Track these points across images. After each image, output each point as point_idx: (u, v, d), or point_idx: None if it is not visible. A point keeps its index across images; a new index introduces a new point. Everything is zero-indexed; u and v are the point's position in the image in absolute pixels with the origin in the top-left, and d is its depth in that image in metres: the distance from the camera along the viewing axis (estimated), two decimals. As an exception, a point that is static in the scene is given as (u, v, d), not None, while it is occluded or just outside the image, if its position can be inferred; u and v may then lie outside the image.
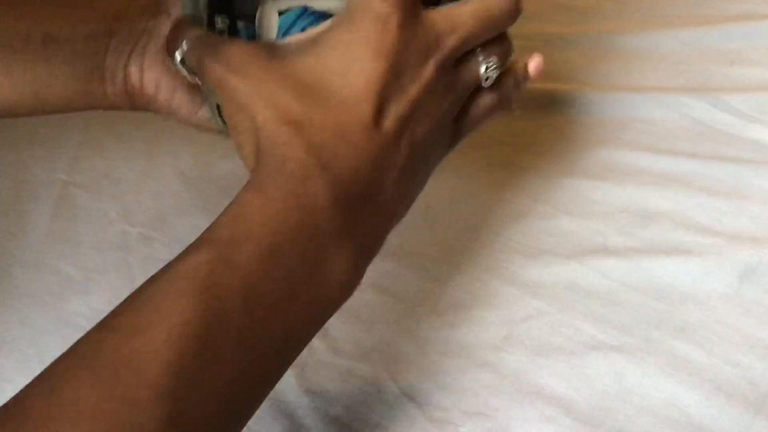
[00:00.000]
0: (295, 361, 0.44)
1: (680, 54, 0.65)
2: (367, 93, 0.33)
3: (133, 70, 0.41)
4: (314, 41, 0.35)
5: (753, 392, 0.40)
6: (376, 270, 0.49)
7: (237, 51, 0.35)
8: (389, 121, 0.34)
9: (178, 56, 0.37)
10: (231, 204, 0.33)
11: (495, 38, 0.38)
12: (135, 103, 0.42)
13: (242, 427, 0.32)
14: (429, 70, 0.35)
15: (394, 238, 0.51)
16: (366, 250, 0.35)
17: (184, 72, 0.38)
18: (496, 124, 0.60)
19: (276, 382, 0.33)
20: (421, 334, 0.45)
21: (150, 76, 0.41)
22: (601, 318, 0.45)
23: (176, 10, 0.41)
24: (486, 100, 0.39)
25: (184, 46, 0.37)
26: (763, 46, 0.64)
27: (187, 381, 0.28)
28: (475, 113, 0.39)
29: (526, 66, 0.41)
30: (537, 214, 0.52)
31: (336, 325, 0.46)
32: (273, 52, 0.35)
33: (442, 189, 0.54)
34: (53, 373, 0.28)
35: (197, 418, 0.29)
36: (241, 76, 0.34)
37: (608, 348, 0.43)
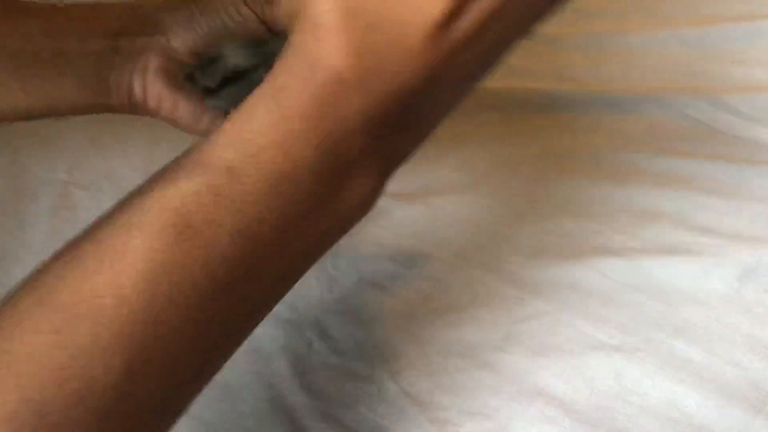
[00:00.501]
0: (295, 361, 0.44)
1: (680, 54, 0.65)
2: None
3: (137, 86, 0.43)
4: None
5: (753, 392, 0.40)
6: (376, 270, 0.49)
7: None
8: (462, 26, 0.26)
9: None
10: (238, 113, 0.27)
11: None
12: (140, 111, 0.44)
13: (211, 377, 0.28)
14: None
15: (394, 238, 0.51)
16: (391, 168, 0.29)
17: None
18: (496, 124, 0.60)
19: (260, 321, 0.29)
20: (421, 334, 0.45)
21: (152, 91, 0.43)
22: (601, 318, 0.44)
23: (174, 28, 0.42)
24: None
25: None
26: (763, 46, 0.64)
27: (154, 330, 0.25)
28: None
29: None
30: (537, 214, 0.52)
31: (336, 325, 0.46)
32: None
33: (442, 189, 0.54)
34: (8, 313, 0.25)
35: (161, 369, 0.25)
36: None
37: (608, 348, 0.43)
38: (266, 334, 0.45)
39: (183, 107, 0.43)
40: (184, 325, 0.25)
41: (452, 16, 0.26)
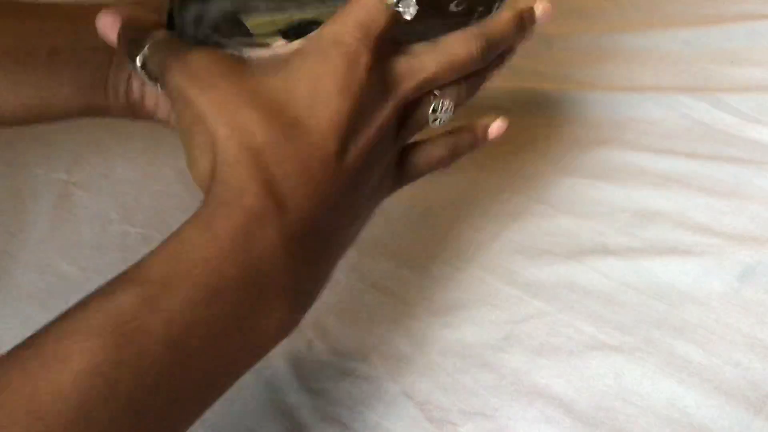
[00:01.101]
0: (295, 361, 0.44)
1: (680, 54, 0.65)
2: (331, 127, 0.32)
3: (135, 84, 0.42)
4: (283, 63, 0.33)
5: (753, 392, 0.40)
6: (376, 270, 0.49)
7: (202, 60, 0.33)
8: (349, 159, 0.33)
9: (138, 61, 0.35)
10: (172, 236, 0.31)
11: (455, 80, 0.37)
12: (137, 114, 0.43)
13: None
14: (387, 110, 0.34)
15: (394, 238, 0.51)
16: (308, 295, 0.34)
17: (145, 77, 0.36)
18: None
19: (195, 420, 0.31)
20: (421, 334, 0.45)
21: (150, 90, 0.42)
22: (601, 318, 0.45)
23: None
24: (434, 148, 0.39)
25: (146, 50, 0.35)
26: (763, 46, 0.64)
27: (86, 427, 0.27)
28: (421, 158, 0.38)
29: (486, 127, 0.40)
30: (537, 214, 0.52)
31: (336, 325, 0.46)
32: (239, 66, 0.33)
33: (442, 189, 0.54)
34: None
35: None
36: (203, 88, 0.32)
37: (608, 348, 0.43)
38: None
39: None
40: (116, 424, 0.27)
41: (342, 150, 0.32)
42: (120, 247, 0.52)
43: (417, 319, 0.46)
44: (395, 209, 0.52)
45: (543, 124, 0.60)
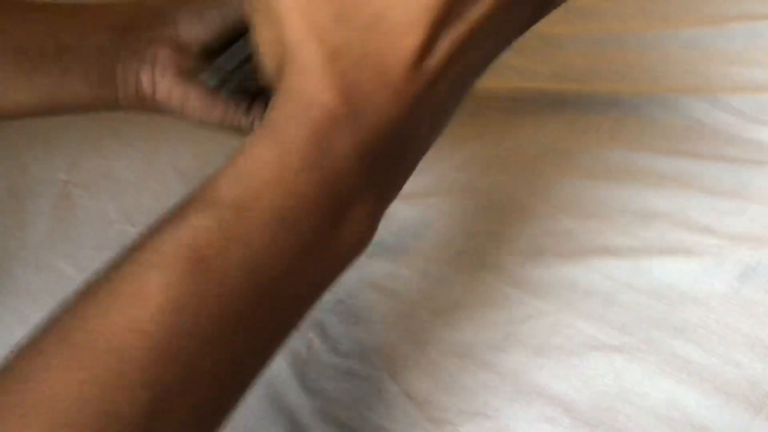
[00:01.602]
0: (295, 361, 0.44)
1: (680, 54, 0.65)
2: (418, 20, 0.27)
3: (145, 79, 0.43)
4: None
5: (753, 392, 0.40)
6: (376, 270, 0.49)
7: None
8: (435, 58, 0.28)
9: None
10: (239, 153, 0.28)
11: None
12: (147, 107, 0.43)
13: (232, 412, 0.29)
14: None
15: (394, 238, 0.51)
16: (385, 201, 0.31)
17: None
18: (496, 124, 0.60)
19: (274, 357, 0.30)
20: (421, 334, 0.45)
21: (162, 84, 0.42)
22: (601, 318, 0.44)
23: (182, 21, 0.42)
24: None
25: None
26: (763, 46, 0.64)
27: (175, 365, 0.25)
28: None
29: None
30: (537, 214, 0.52)
31: (336, 325, 0.46)
32: None
33: (442, 189, 0.54)
34: (27, 356, 0.26)
35: (183, 404, 0.26)
36: None
37: (608, 348, 0.43)
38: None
39: (194, 97, 0.43)
40: (204, 360, 0.26)
41: (425, 49, 0.28)
42: (120, 247, 0.52)
43: (417, 319, 0.46)
44: (396, 209, 0.52)
45: (543, 125, 0.60)
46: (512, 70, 0.65)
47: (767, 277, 0.45)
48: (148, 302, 0.25)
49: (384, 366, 0.44)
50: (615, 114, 0.60)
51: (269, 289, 0.28)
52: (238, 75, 0.43)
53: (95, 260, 0.52)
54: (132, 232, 0.53)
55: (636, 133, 0.58)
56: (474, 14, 0.28)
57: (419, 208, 0.53)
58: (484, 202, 0.53)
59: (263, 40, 0.29)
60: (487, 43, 0.30)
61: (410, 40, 0.27)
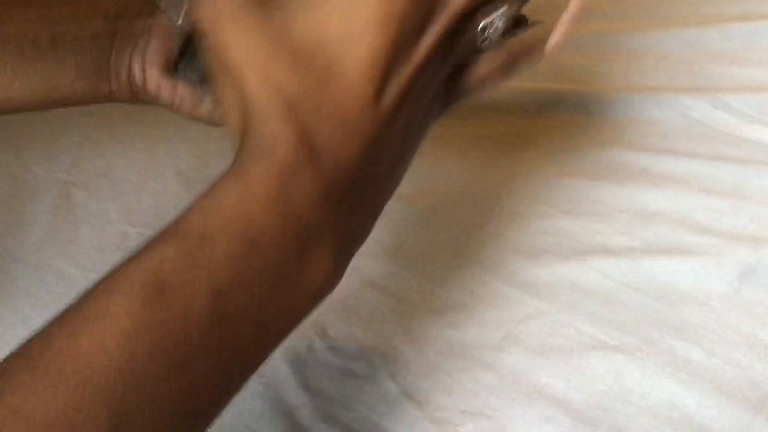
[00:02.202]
0: (295, 361, 0.44)
1: (680, 54, 0.65)
2: (370, 66, 0.29)
3: (136, 69, 0.42)
4: None
5: (753, 392, 0.40)
6: (376, 270, 0.49)
7: (230, 4, 0.30)
8: (389, 98, 0.30)
9: (180, 18, 0.34)
10: (207, 192, 0.30)
11: None
12: (139, 98, 0.43)
13: None
14: (432, 36, 0.31)
15: (394, 238, 0.51)
16: (351, 243, 0.32)
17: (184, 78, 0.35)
18: (496, 124, 0.60)
19: (241, 386, 0.30)
20: (421, 334, 0.45)
21: (151, 74, 0.42)
22: (601, 318, 0.45)
23: (172, 8, 0.42)
24: (487, 63, 0.35)
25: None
26: (763, 46, 0.64)
27: (138, 388, 0.26)
28: (472, 75, 0.35)
29: (542, 40, 0.36)
30: (537, 214, 0.52)
31: (336, 325, 0.46)
32: (269, 7, 0.31)
33: (442, 189, 0.54)
34: (1, 373, 0.26)
35: (144, 427, 0.26)
36: (231, 36, 0.30)
37: (608, 348, 0.43)
38: (266, 334, 0.45)
39: (182, 91, 0.42)
40: (166, 384, 0.27)
41: (378, 93, 0.30)
42: (120, 247, 0.52)
43: (417, 319, 0.46)
44: (396, 209, 0.52)
45: (543, 124, 0.60)
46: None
47: (767, 277, 0.45)
48: (113, 325, 0.26)
49: (384, 366, 0.44)
50: (615, 114, 0.60)
51: (233, 319, 0.28)
52: None
53: (95, 260, 0.52)
54: (132, 232, 0.53)
55: (636, 133, 0.58)
56: (417, 57, 0.30)
57: (419, 208, 0.53)
58: (483, 202, 0.53)
59: (225, 96, 0.31)
60: (432, 83, 0.32)
61: (363, 85, 0.29)
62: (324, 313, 0.46)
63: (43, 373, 0.25)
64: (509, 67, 0.35)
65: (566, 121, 0.60)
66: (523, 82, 0.64)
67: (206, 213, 0.29)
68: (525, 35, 0.35)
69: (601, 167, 0.55)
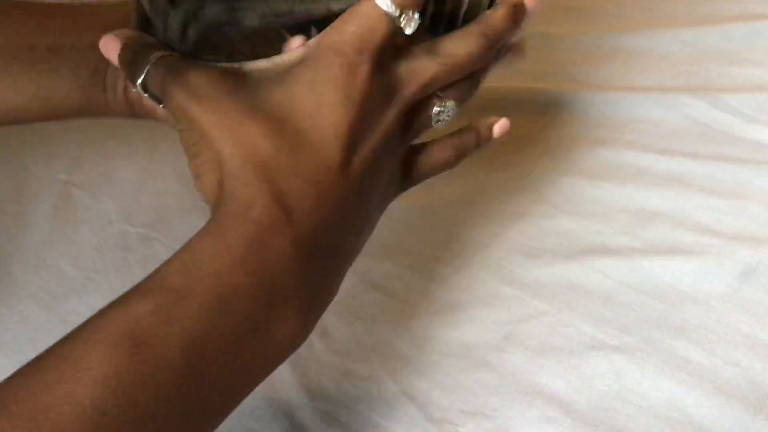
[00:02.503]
0: (295, 361, 0.44)
1: (680, 54, 0.65)
2: (336, 138, 0.32)
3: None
4: (283, 74, 0.33)
5: (753, 392, 0.40)
6: (376, 270, 0.49)
7: (202, 78, 0.33)
8: (355, 167, 0.33)
9: (139, 83, 0.35)
10: (185, 247, 0.31)
11: (456, 80, 0.37)
12: (135, 112, 0.43)
13: None
14: (390, 116, 0.34)
15: (394, 238, 0.51)
16: (318, 305, 0.34)
17: (147, 98, 0.36)
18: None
19: (216, 427, 0.32)
20: (421, 334, 0.45)
21: None
22: (601, 318, 0.44)
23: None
24: (438, 149, 0.38)
25: (146, 72, 0.35)
26: (763, 46, 0.64)
27: None
28: (425, 161, 0.38)
29: (490, 126, 0.40)
30: (537, 214, 0.52)
31: (336, 325, 0.46)
32: (240, 80, 0.33)
33: (442, 189, 0.54)
34: None
35: None
36: (205, 106, 0.32)
37: (608, 348, 0.43)
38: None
39: None
40: None
41: (346, 160, 0.33)
42: (120, 247, 0.52)
43: (417, 319, 0.46)
44: (396, 209, 0.52)
45: (543, 125, 0.60)
46: (512, 70, 0.65)
47: (767, 277, 0.45)
48: (87, 377, 0.27)
49: (384, 366, 0.44)
50: (615, 114, 0.60)
51: (205, 371, 0.30)
52: None
53: (95, 260, 0.52)
54: (132, 232, 0.53)
55: (636, 133, 0.58)
56: (378, 132, 0.34)
57: (419, 208, 0.53)
58: (483, 202, 0.53)
59: (201, 161, 0.33)
60: (393, 156, 0.36)
61: (331, 155, 0.32)
62: (324, 313, 0.46)
63: (15, 421, 0.26)
64: (460, 153, 0.39)
65: (566, 121, 0.60)
66: (523, 82, 0.63)
67: (183, 269, 0.30)
68: (473, 126, 0.39)
69: (601, 167, 0.55)
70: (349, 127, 0.33)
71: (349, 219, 0.34)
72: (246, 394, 0.33)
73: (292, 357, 0.44)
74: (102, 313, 0.29)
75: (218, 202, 0.32)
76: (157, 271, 0.31)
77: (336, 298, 0.47)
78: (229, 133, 0.32)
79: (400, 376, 0.43)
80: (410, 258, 0.50)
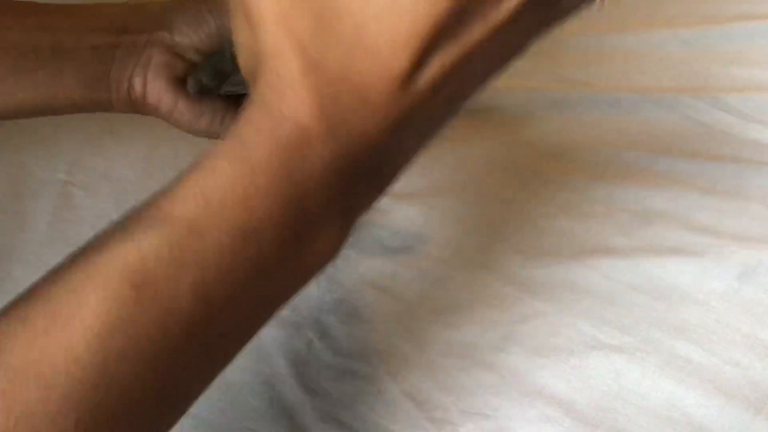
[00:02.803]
0: (295, 361, 0.44)
1: (680, 54, 0.65)
2: (406, 41, 0.24)
3: (137, 82, 0.43)
4: None
5: (753, 392, 0.40)
6: (376, 270, 0.49)
7: None
8: (423, 81, 0.25)
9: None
10: (198, 167, 0.26)
11: None
12: (138, 110, 0.44)
13: (169, 429, 0.27)
14: (511, 3, 0.25)
15: (394, 238, 0.51)
16: (353, 222, 0.28)
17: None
18: (496, 124, 0.60)
19: (226, 366, 0.28)
20: (421, 334, 0.45)
21: (153, 88, 0.43)
22: (601, 318, 0.44)
23: (178, 26, 0.42)
24: None
25: None
26: (763, 46, 0.64)
27: (106, 389, 0.24)
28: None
29: None
30: (537, 214, 0.52)
31: (336, 325, 0.46)
32: None
33: (442, 189, 0.54)
34: None
35: (115, 424, 0.24)
36: None
37: (608, 348, 0.43)
38: (266, 333, 0.45)
39: (183, 105, 0.43)
40: (138, 382, 0.25)
41: (412, 72, 0.25)
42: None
43: (417, 319, 0.46)
44: (396, 209, 0.52)
45: (543, 124, 0.60)
46: (512, 70, 0.65)
47: (767, 277, 0.45)
48: (82, 327, 0.24)
49: (384, 366, 0.44)
50: (615, 114, 0.60)
51: (218, 315, 0.26)
52: (223, 83, 0.44)
53: (95, 260, 0.52)
54: (132, 232, 0.53)
55: (636, 133, 0.58)
56: (471, 36, 0.25)
57: (419, 208, 0.53)
58: (483, 201, 0.53)
59: (240, 43, 0.27)
60: (483, 65, 0.27)
61: (396, 61, 0.24)
62: (324, 313, 0.46)
63: (5, 379, 0.23)
64: None
65: (566, 121, 0.60)
66: (524, 82, 0.63)
67: (197, 196, 0.25)
68: None
69: (601, 167, 0.55)
70: (435, 24, 0.24)
71: (403, 138, 0.27)
72: (266, 322, 0.28)
73: (292, 357, 0.44)
74: (98, 247, 0.26)
75: (245, 114, 0.26)
76: (164, 195, 0.26)
77: (336, 298, 0.47)
78: (276, 18, 0.25)
79: (400, 376, 0.43)
80: (410, 258, 0.50)
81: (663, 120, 0.58)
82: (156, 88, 0.43)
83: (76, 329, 0.24)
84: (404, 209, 0.53)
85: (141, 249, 0.25)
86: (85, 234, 0.56)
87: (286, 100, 0.25)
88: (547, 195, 0.53)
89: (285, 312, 0.46)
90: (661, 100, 0.60)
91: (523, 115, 0.60)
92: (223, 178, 0.25)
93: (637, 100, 0.60)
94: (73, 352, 0.24)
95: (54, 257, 0.53)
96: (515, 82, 0.63)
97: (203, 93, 0.44)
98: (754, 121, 0.57)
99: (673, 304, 0.45)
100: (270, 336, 0.45)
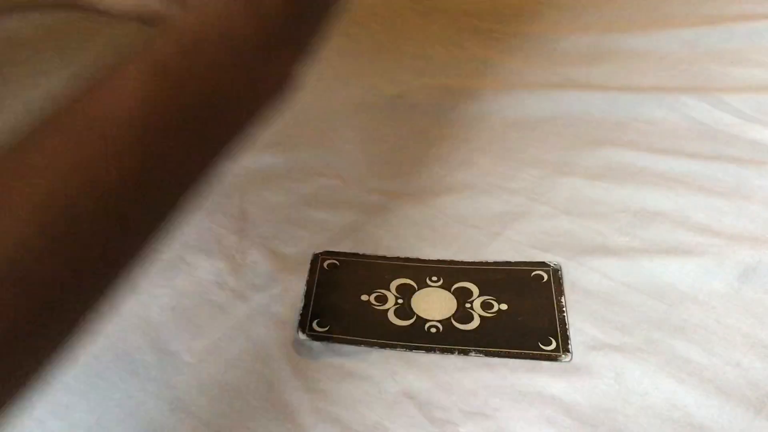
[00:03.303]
0: (296, 361, 0.44)
1: (680, 54, 0.65)
2: None
3: None
4: None
5: (753, 392, 0.40)
6: (376, 270, 0.49)
7: None
8: None
9: None
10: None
11: None
12: None
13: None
14: None
15: (394, 238, 0.51)
16: (309, 46, 0.35)
17: None
18: (496, 125, 0.60)
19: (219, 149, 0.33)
20: (421, 334, 0.45)
21: None
22: (601, 318, 0.45)
23: None
24: None
25: None
26: (763, 46, 0.64)
27: (157, 139, 0.29)
28: None
29: None
30: (537, 214, 0.52)
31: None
32: None
33: (442, 189, 0.54)
34: (25, 138, 0.28)
35: (167, 171, 0.30)
36: None
37: (608, 348, 0.43)
38: (266, 333, 0.45)
39: None
40: (173, 138, 0.29)
41: None
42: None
43: (417, 319, 0.46)
44: (396, 209, 0.52)
45: (543, 124, 0.60)
46: (512, 70, 0.65)
47: (767, 277, 0.45)
48: (128, 97, 0.29)
49: (384, 366, 0.44)
50: (615, 114, 0.60)
51: (213, 94, 0.31)
52: None
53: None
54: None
55: (636, 133, 0.58)
56: None
57: (419, 208, 0.53)
58: (483, 201, 0.53)
59: None
60: None
61: None
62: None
63: (71, 127, 0.27)
64: None
65: (566, 121, 0.60)
66: (524, 82, 0.64)
67: (198, 11, 0.31)
68: None
69: (601, 167, 0.55)
70: None
71: None
72: (249, 122, 0.33)
73: (292, 357, 0.44)
74: (131, 50, 0.30)
75: None
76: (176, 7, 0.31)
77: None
78: None
79: (400, 376, 0.43)
80: (410, 257, 0.50)
81: (663, 120, 0.59)
82: None
83: (124, 99, 0.28)
84: (404, 209, 0.53)
85: (163, 52, 0.30)
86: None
87: None
88: (547, 195, 0.53)
89: (285, 312, 0.46)
90: (661, 100, 0.60)
91: (522, 115, 0.60)
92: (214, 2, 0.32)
93: (637, 100, 0.60)
94: (125, 118, 0.28)
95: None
96: (516, 82, 0.63)
97: None
98: (754, 121, 0.57)
99: (673, 304, 0.45)
100: (270, 336, 0.45)
